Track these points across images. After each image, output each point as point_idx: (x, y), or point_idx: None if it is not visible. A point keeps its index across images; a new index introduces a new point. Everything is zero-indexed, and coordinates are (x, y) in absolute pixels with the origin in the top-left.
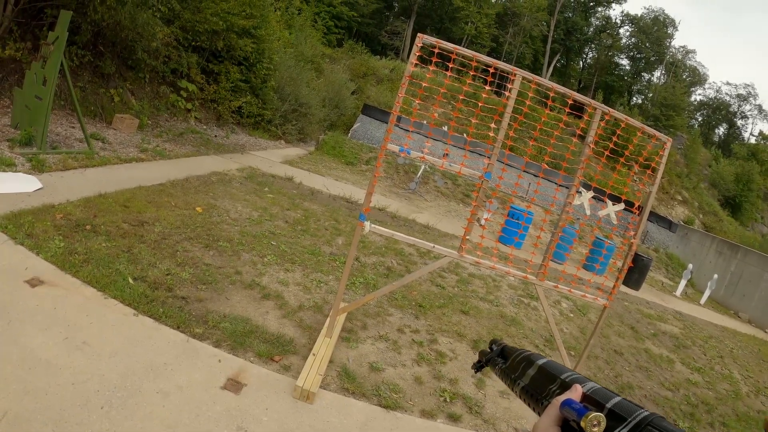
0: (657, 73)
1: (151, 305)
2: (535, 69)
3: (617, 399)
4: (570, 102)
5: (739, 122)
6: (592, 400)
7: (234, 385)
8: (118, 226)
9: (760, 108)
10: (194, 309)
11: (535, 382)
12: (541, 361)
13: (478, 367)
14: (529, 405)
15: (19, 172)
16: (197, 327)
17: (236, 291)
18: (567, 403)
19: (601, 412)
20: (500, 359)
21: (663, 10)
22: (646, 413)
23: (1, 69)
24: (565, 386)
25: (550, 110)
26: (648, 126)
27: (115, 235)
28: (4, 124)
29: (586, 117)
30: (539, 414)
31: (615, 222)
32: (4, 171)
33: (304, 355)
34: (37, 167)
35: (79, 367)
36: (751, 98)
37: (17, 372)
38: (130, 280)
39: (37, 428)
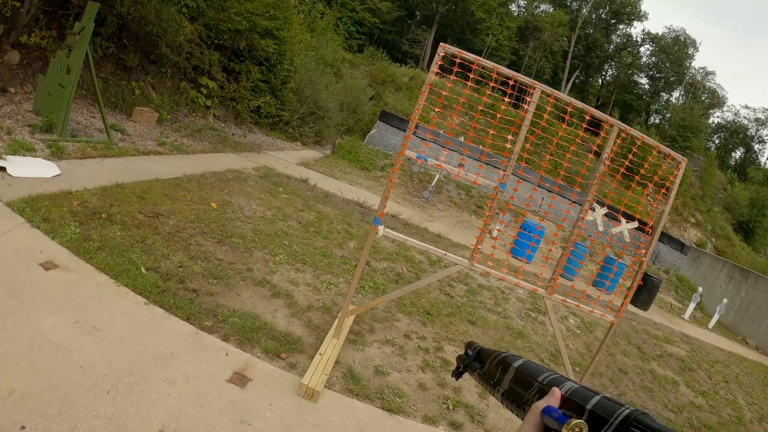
0: (676, 94)
1: (163, 295)
2: (555, 84)
3: (597, 398)
4: (587, 118)
5: (757, 147)
6: (572, 403)
7: (240, 378)
8: (133, 216)
9: None
10: (204, 302)
11: (514, 387)
12: (517, 364)
13: (458, 373)
14: (512, 411)
15: (39, 157)
16: (206, 320)
17: (247, 287)
18: (547, 411)
19: (582, 414)
20: (477, 364)
21: (684, 30)
22: (627, 411)
23: (25, 55)
24: (544, 390)
25: (567, 125)
26: (664, 146)
27: (130, 225)
28: (26, 110)
29: (602, 134)
30: (522, 419)
31: (628, 240)
32: (24, 155)
33: (310, 355)
34: (57, 154)
35: (88, 351)
36: None
37: (27, 352)
38: (143, 270)
39: (43, 408)
